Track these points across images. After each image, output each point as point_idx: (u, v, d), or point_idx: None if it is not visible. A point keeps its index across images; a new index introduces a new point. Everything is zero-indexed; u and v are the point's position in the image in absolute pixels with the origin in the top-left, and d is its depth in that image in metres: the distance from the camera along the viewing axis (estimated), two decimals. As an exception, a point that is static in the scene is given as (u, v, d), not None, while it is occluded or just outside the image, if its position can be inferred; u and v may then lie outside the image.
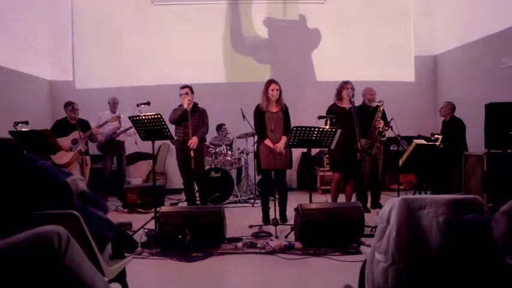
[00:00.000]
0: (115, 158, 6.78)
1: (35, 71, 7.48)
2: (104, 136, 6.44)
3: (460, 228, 1.67)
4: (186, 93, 5.02)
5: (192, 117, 4.94)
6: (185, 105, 4.91)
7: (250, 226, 4.64)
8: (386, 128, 5.44)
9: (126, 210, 5.98)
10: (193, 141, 4.88)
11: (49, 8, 7.91)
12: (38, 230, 1.47)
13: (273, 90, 4.82)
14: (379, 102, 5.46)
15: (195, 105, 5.13)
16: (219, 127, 7.26)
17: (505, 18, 6.14)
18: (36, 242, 1.46)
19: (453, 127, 6.15)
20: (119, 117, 6.31)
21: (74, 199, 2.11)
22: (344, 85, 5.15)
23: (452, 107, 6.25)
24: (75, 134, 5.63)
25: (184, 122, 4.98)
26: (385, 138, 5.44)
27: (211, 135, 6.73)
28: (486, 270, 1.44)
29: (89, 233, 1.91)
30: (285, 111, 4.95)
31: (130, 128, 6.16)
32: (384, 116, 5.51)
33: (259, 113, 4.92)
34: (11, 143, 2.04)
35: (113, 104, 6.69)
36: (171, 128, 4.73)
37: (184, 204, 6.07)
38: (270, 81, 4.89)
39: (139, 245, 3.81)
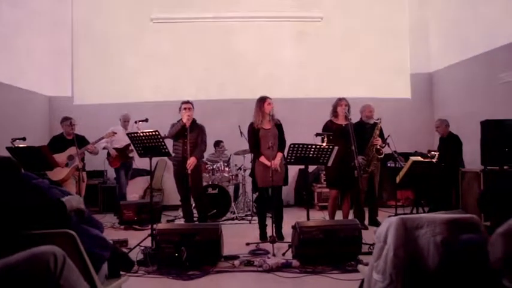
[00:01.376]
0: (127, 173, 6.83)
1: (34, 87, 7.51)
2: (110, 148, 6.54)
3: (457, 248, 1.67)
4: (189, 109, 5.01)
5: (191, 134, 4.95)
6: (184, 120, 4.91)
7: (248, 244, 4.60)
8: (383, 145, 5.46)
9: (122, 226, 5.93)
10: (190, 163, 4.89)
11: (49, 25, 7.99)
12: (34, 250, 1.47)
13: (269, 104, 4.84)
14: (377, 119, 5.49)
15: (194, 121, 5.12)
16: (217, 144, 7.27)
17: (501, 35, 6.23)
18: (33, 262, 1.45)
19: (450, 143, 6.17)
20: (115, 132, 6.32)
21: (70, 218, 2.10)
22: (339, 102, 5.21)
23: (447, 123, 6.29)
24: (71, 150, 5.62)
25: (183, 138, 4.98)
26: (382, 156, 5.46)
27: (208, 151, 6.73)
28: (484, 291, 1.43)
29: (85, 252, 1.90)
30: (279, 126, 4.96)
31: None
32: (381, 134, 5.54)
33: (253, 131, 4.92)
34: (10, 161, 2.04)
35: (123, 122, 6.75)
36: (169, 144, 4.73)
37: (181, 221, 6.04)
38: (265, 97, 4.90)
39: (136, 263, 3.77)
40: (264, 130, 4.87)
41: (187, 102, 5.12)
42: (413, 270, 1.73)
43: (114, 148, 6.59)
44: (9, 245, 1.62)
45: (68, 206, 2.02)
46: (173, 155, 5.09)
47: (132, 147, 6.43)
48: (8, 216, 1.85)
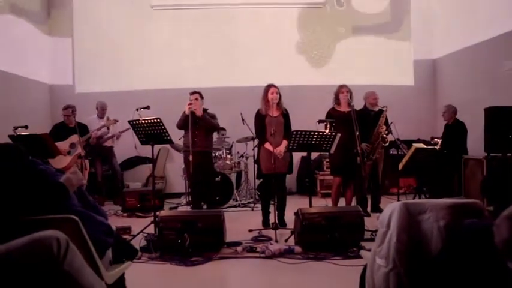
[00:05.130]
0: (105, 162, 6.78)
1: (35, 75, 7.48)
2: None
3: (460, 232, 1.67)
4: (196, 99, 5.08)
5: (200, 123, 5.05)
6: (186, 111, 4.93)
7: (250, 230, 4.62)
8: (387, 133, 5.44)
9: (125, 214, 5.96)
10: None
11: (49, 10, 7.93)
12: (37, 235, 1.47)
13: (272, 93, 4.83)
14: (383, 107, 5.45)
15: (205, 111, 5.22)
16: (219, 130, 7.24)
17: (505, 22, 6.15)
18: (35, 246, 1.46)
19: (456, 130, 6.13)
20: (116, 120, 6.31)
21: (74, 203, 2.11)
22: (340, 89, 5.20)
23: (454, 110, 6.24)
24: (73, 138, 5.62)
25: (190, 128, 4.93)
26: (387, 144, 5.44)
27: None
28: (487, 275, 1.43)
29: (89, 238, 1.90)
30: (285, 115, 4.95)
31: (117, 135, 6.25)
32: (386, 121, 5.51)
33: (260, 118, 4.93)
34: (17, 148, 2.04)
35: (101, 111, 6.64)
36: (172, 132, 4.71)
37: (184, 208, 6.07)
38: (270, 86, 4.91)
39: (139, 249, 3.80)
40: (270, 117, 4.87)
41: (193, 92, 5.16)
42: (416, 255, 1.73)
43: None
44: (12, 230, 1.63)
45: (68, 184, 2.02)
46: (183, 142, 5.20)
47: (106, 136, 6.46)
48: (12, 202, 1.86)
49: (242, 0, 8.19)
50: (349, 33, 8.18)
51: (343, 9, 8.21)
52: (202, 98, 5.17)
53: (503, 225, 1.19)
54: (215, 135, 7.14)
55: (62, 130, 5.85)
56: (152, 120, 4.33)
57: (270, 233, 4.42)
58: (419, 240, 1.74)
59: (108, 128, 6.38)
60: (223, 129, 7.27)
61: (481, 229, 1.51)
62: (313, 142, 4.24)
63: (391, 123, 5.55)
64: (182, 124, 5.06)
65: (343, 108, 5.14)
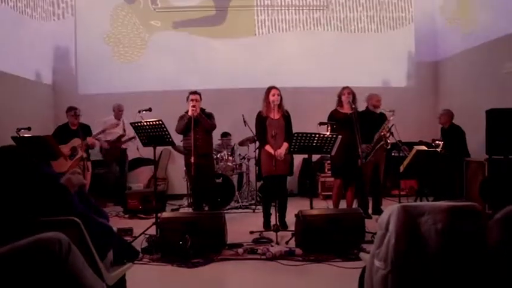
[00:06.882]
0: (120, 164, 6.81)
1: (38, 76, 7.53)
2: (106, 142, 6.51)
3: (458, 235, 1.68)
4: (196, 100, 4.95)
5: (199, 125, 4.94)
6: (190, 113, 4.89)
7: (251, 232, 4.64)
8: (388, 135, 5.44)
9: (127, 215, 5.98)
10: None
11: (52, 13, 7.98)
12: (40, 236, 1.50)
13: (274, 95, 4.84)
14: (390, 111, 5.44)
15: (202, 111, 5.09)
16: (225, 135, 7.26)
17: (507, 24, 6.15)
18: (38, 248, 1.48)
19: (452, 135, 6.14)
20: (117, 124, 6.33)
21: (76, 205, 2.12)
22: (342, 90, 5.22)
23: (451, 115, 6.25)
24: (75, 142, 5.62)
25: (191, 130, 4.82)
26: (389, 147, 5.45)
27: (214, 142, 6.73)
28: (483, 277, 1.44)
29: (91, 240, 1.92)
30: (286, 118, 4.96)
31: (134, 137, 6.26)
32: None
33: (261, 120, 4.94)
34: (21, 152, 2.07)
35: (118, 112, 6.70)
36: (173, 134, 4.73)
37: (185, 209, 6.08)
38: (271, 88, 4.92)
39: (140, 251, 3.82)
40: (270, 119, 4.87)
41: (194, 92, 5.06)
42: (414, 257, 1.74)
43: (107, 140, 6.54)
44: (16, 231, 1.65)
45: (69, 185, 2.04)
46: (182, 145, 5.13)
47: (123, 139, 6.50)
48: (21, 204, 1.87)
49: (244, 2, 8.23)
50: (352, 35, 8.17)
51: (346, 11, 8.22)
52: (201, 99, 5.08)
53: (495, 227, 1.20)
54: (219, 139, 7.17)
55: (64, 132, 5.86)
56: (154, 122, 4.35)
57: (271, 235, 4.42)
58: (417, 243, 1.75)
59: (124, 130, 6.42)
60: (228, 134, 7.29)
61: (478, 231, 1.52)
62: (314, 144, 4.26)
63: (392, 125, 5.55)
64: (184, 128, 5.02)
65: (346, 110, 5.15)
